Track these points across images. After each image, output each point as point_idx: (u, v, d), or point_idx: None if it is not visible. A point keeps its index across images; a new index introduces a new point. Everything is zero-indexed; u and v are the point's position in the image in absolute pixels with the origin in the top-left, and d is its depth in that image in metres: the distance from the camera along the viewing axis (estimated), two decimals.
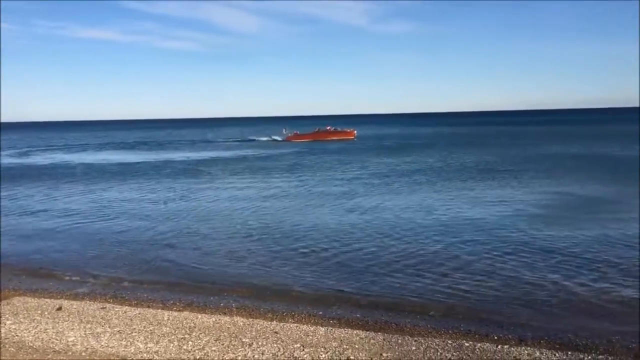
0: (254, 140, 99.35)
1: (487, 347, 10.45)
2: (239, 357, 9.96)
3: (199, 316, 12.55)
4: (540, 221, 21.89)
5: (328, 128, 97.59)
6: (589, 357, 9.92)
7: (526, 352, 10.18)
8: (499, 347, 10.47)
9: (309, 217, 24.14)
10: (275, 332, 11.31)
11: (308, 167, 47.42)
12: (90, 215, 26.39)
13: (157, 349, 10.40)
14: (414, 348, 10.34)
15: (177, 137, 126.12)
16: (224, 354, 10.11)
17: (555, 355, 10.03)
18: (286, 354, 10.10)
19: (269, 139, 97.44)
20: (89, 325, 11.76)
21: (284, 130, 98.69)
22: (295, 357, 9.93)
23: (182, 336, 11.07)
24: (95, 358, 9.99)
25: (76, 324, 11.85)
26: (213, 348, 10.41)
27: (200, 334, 11.23)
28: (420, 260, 16.86)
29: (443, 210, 24.85)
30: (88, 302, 13.90)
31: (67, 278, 16.37)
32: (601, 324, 11.84)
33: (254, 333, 11.27)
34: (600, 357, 9.99)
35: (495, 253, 17.44)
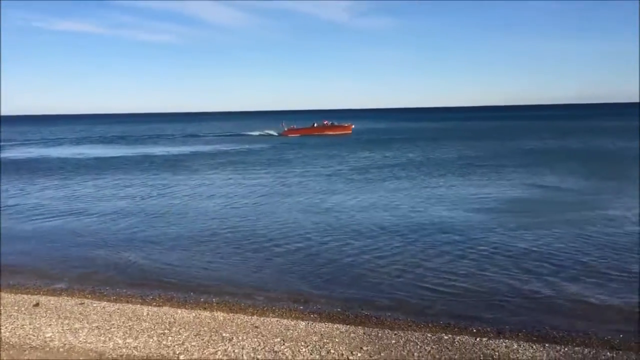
0: (245, 135, 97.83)
1: (465, 339, 10.55)
2: (219, 352, 9.94)
3: (179, 311, 12.49)
4: (516, 216, 22.11)
5: (325, 122, 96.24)
6: (566, 349, 10.07)
7: (504, 344, 10.30)
8: (478, 339, 10.58)
9: (289, 213, 24.12)
10: (256, 327, 11.30)
11: (292, 161, 47.34)
12: (67, 210, 26.07)
13: (136, 344, 10.33)
14: (393, 341, 10.41)
15: (157, 131, 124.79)
16: (204, 349, 10.07)
17: (532, 347, 10.17)
18: (266, 348, 10.09)
19: (261, 133, 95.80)
20: (66, 321, 11.64)
21: (282, 124, 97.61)
22: (276, 352, 9.93)
23: (161, 331, 11.00)
24: (73, 354, 9.88)
25: (54, 320, 11.71)
26: (193, 343, 10.37)
27: (180, 329, 11.17)
28: (399, 256, 16.91)
29: (422, 207, 24.99)
30: (66, 297, 13.75)
31: (45, 274, 16.16)
32: (578, 317, 12.00)
33: (234, 328, 11.25)
34: (577, 348, 10.14)
35: (472, 249, 17.56)
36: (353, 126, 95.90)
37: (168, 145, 74.96)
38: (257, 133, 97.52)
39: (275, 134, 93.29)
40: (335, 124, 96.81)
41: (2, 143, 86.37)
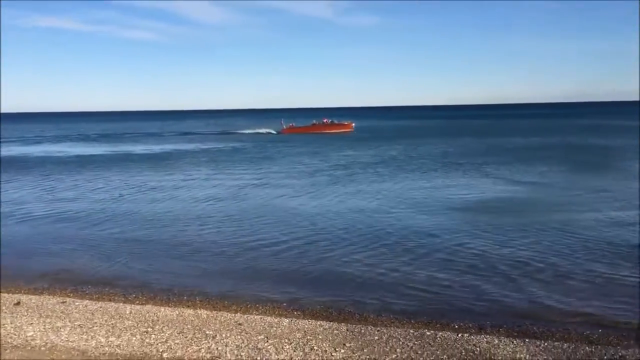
0: (239, 133, 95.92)
1: (447, 335, 10.67)
2: (203, 349, 9.94)
3: (162, 309, 12.46)
4: (497, 216, 22.33)
5: (325, 121, 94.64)
6: (545, 344, 10.22)
7: (485, 340, 10.43)
8: (459, 335, 10.70)
9: (273, 210, 24.13)
10: (239, 324, 11.31)
11: (277, 159, 47.26)
12: (47, 207, 25.82)
13: (119, 342, 10.30)
14: (376, 337, 10.49)
15: (146, 129, 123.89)
16: (188, 347, 10.07)
17: (513, 342, 10.31)
18: (250, 345, 10.12)
19: (258, 132, 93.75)
20: (48, 320, 11.56)
21: (281, 122, 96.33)
22: (259, 349, 9.96)
23: (144, 329, 10.98)
24: (55, 352, 9.83)
25: (35, 319, 11.63)
26: (176, 341, 10.36)
27: (164, 326, 11.15)
28: (382, 255, 16.99)
29: (404, 206, 25.12)
30: (47, 296, 13.65)
31: (25, 272, 15.99)
32: (557, 313, 12.18)
33: (217, 325, 11.26)
34: (557, 343, 10.30)
35: (453, 249, 17.68)
36: (353, 124, 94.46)
37: (164, 143, 74.02)
38: (251, 131, 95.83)
39: (274, 132, 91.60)
40: (335, 122, 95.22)
41: None
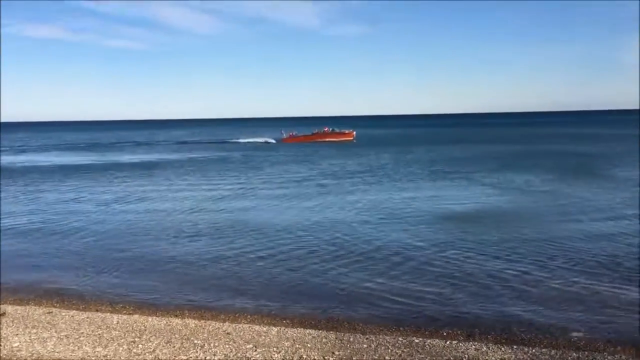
0: (234, 142, 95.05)
1: (436, 342, 10.69)
2: (191, 359, 9.89)
3: (150, 319, 12.38)
4: (482, 222, 22.47)
5: (326, 129, 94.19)
6: (533, 351, 10.28)
7: (473, 347, 10.47)
8: (448, 342, 10.73)
9: (259, 217, 24.09)
10: (228, 333, 11.27)
11: (265, 167, 47.24)
12: (32, 218, 25.60)
13: (105, 352, 10.21)
14: (365, 346, 10.49)
15: (145, 138, 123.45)
16: (175, 356, 10.01)
17: (501, 349, 10.36)
18: (239, 354, 10.08)
19: (257, 141, 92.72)
20: (34, 331, 11.44)
21: (281, 131, 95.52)
22: (248, 358, 9.92)
23: (132, 339, 10.89)
24: None
25: (21, 329, 11.50)
26: (164, 350, 10.29)
27: (151, 336, 11.08)
28: (370, 263, 17.00)
29: (388, 209, 25.20)
30: (33, 307, 13.49)
31: (11, 283, 15.82)
32: (545, 320, 12.26)
33: (205, 334, 11.20)
34: (544, 350, 10.36)
35: (441, 251, 17.82)
36: (354, 133, 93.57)
37: (164, 153, 73.44)
38: (246, 140, 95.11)
39: (273, 141, 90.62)
40: (336, 130, 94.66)
41: None
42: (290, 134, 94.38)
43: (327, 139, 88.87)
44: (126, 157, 64.84)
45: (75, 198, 31.69)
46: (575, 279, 14.87)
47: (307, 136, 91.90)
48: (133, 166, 52.87)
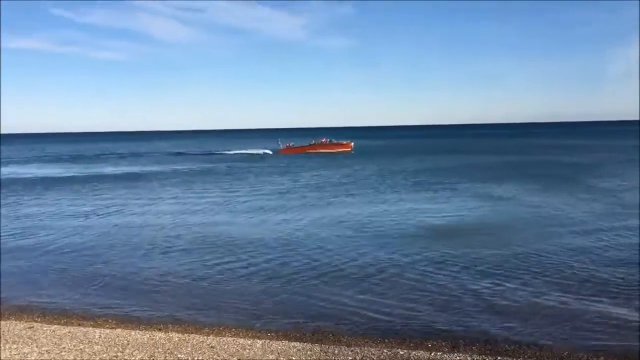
0: (224, 154, 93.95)
1: (421, 354, 10.71)
2: None
3: (132, 333, 12.25)
4: (466, 235, 22.57)
5: (323, 140, 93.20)
6: None
7: (458, 358, 10.50)
8: (433, 354, 10.75)
9: (243, 230, 24.01)
10: (212, 347, 11.18)
11: (250, 179, 47.09)
12: (12, 231, 25.29)
13: None
14: (350, 358, 10.47)
15: (133, 148, 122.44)
16: None
17: None
18: None
19: (255, 152, 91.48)
20: (14, 346, 11.27)
21: (278, 142, 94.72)
22: None
23: (114, 354, 10.77)
24: None
25: (1, 345, 11.32)
26: None
27: (134, 350, 10.96)
28: (354, 276, 16.99)
29: (374, 223, 25.24)
30: (14, 321, 13.31)
31: None
32: (529, 331, 12.32)
33: (189, 348, 11.11)
34: None
35: (423, 264, 17.86)
36: (352, 144, 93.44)
37: (161, 164, 72.76)
38: (241, 152, 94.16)
39: (270, 152, 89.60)
40: (334, 141, 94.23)
41: None
42: (288, 144, 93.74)
43: (325, 150, 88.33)
44: (109, 169, 64.29)
45: (56, 212, 31.31)
46: (556, 293, 14.92)
47: (304, 147, 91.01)
48: (114, 178, 52.40)
